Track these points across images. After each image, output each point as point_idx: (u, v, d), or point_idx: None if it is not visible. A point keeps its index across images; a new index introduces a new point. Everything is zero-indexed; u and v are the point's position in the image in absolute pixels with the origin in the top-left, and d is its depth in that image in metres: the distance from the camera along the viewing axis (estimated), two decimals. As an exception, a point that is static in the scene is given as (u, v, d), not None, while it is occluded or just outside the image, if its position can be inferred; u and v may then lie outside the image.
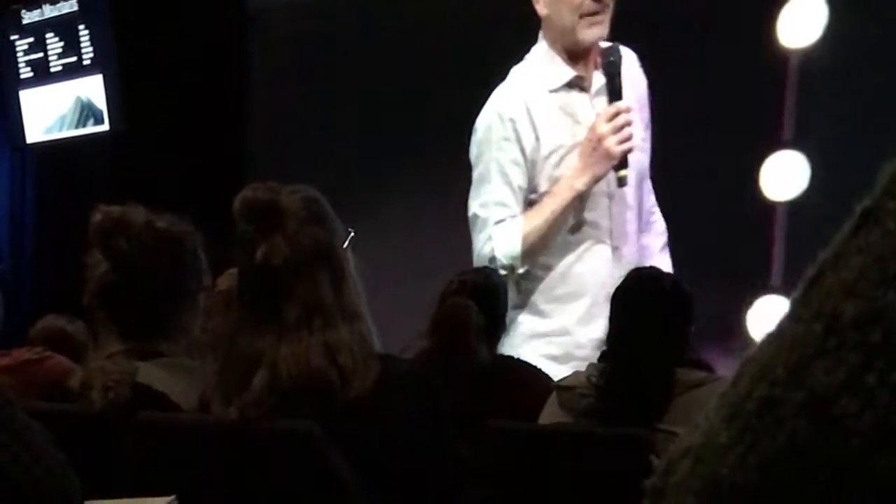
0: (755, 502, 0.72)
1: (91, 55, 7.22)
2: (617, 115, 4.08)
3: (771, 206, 4.49)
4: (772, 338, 0.77)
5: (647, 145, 4.29)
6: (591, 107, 4.21)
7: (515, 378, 3.43)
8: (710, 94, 4.83)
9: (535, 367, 3.56)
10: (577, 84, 4.24)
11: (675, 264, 4.15)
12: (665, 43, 4.66)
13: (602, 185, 4.14)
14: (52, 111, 7.40)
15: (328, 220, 2.25)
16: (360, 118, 6.08)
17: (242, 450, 2.17)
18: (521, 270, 4.15)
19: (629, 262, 4.00)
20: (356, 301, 2.23)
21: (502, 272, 4.08)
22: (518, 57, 4.32)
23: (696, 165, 4.60)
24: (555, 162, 4.19)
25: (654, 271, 3.13)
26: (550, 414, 3.02)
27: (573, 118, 4.21)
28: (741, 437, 0.73)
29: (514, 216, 4.20)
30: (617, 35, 4.10)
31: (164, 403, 2.37)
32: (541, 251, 4.18)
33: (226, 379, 2.18)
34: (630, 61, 4.26)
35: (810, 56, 4.51)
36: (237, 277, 2.27)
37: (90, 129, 7.24)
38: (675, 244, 4.25)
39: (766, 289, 4.44)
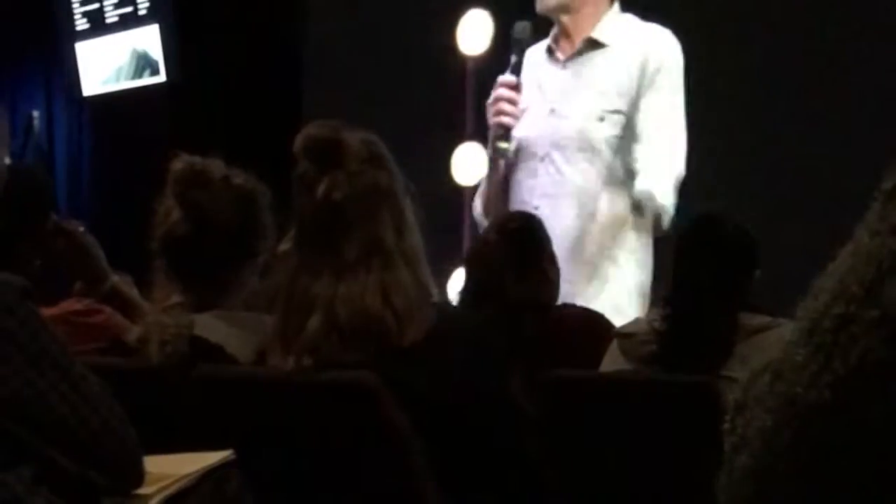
0: (828, 421, 0.72)
1: (146, 5, 7.21)
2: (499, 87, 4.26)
3: (460, 189, 5.07)
4: (850, 251, 0.76)
5: (610, 115, 4.32)
6: (558, 77, 4.37)
7: (575, 325, 3.40)
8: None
9: (596, 314, 3.53)
10: (551, 54, 4.43)
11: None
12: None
13: (537, 150, 4.33)
14: (108, 63, 7.40)
15: (389, 164, 2.22)
16: (422, 67, 6.01)
17: (299, 402, 2.16)
18: None
19: (559, 226, 4.10)
20: (416, 247, 2.21)
21: None
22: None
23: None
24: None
25: (716, 215, 3.08)
26: (611, 361, 2.99)
27: (537, 85, 4.37)
28: (816, 355, 0.73)
29: None
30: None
31: (221, 356, 2.36)
32: (492, 214, 4.39)
33: (285, 326, 2.16)
34: (627, 40, 4.33)
35: (482, 61, 5.17)
36: (296, 220, 2.24)
37: (146, 80, 7.24)
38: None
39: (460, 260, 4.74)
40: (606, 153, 4.32)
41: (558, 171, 4.34)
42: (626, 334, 3.01)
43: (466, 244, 4.76)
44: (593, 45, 4.37)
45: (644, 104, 4.30)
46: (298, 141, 2.19)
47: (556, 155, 4.33)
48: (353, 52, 6.30)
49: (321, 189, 2.14)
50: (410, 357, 2.09)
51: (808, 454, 0.73)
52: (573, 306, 3.58)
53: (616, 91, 4.32)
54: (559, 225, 4.07)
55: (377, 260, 2.13)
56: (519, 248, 3.39)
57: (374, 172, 2.18)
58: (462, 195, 5.04)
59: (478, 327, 2.30)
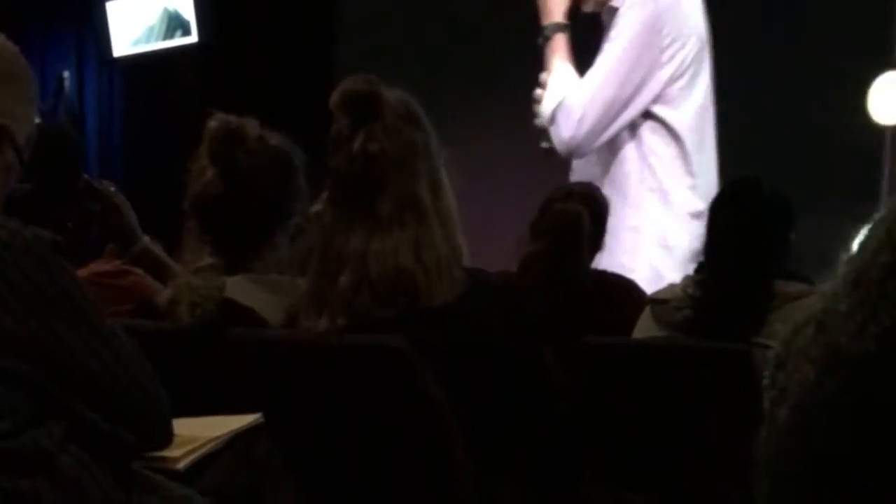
0: (872, 372, 0.70)
1: (178, -35, 7.19)
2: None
3: (880, 130, 4.15)
4: None
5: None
6: None
7: (609, 292, 3.38)
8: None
9: (629, 281, 3.51)
10: None
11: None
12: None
13: None
14: (139, 23, 7.39)
15: (426, 124, 2.21)
16: (451, 26, 5.97)
17: (330, 365, 2.15)
18: None
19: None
20: (451, 209, 2.19)
21: None
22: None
23: (803, 89, 4.38)
24: None
25: (751, 178, 3.04)
26: (644, 328, 2.97)
27: None
28: (862, 305, 0.72)
29: None
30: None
31: (251, 318, 2.35)
32: None
33: (318, 284, 2.15)
34: None
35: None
36: (330, 176, 2.21)
37: (178, 40, 7.23)
38: (778, 169, 4.04)
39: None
40: None
41: None
42: (659, 300, 2.98)
43: (885, 195, 4.11)
44: None
45: None
46: (335, 95, 2.17)
47: None
48: (387, 11, 6.26)
49: (357, 141, 2.12)
50: (440, 317, 2.08)
51: (851, 406, 0.71)
52: (605, 272, 3.56)
53: None
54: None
55: (411, 216, 2.11)
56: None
57: (411, 130, 2.16)
58: (882, 135, 4.15)
59: (510, 292, 2.28)
